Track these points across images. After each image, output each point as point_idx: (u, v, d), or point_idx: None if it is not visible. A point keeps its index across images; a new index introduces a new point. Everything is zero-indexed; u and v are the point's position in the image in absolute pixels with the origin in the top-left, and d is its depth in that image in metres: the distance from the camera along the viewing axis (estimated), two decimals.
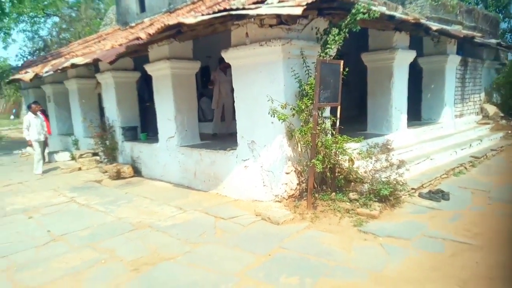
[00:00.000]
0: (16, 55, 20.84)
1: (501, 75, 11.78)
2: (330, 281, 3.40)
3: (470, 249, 3.85)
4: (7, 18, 16.90)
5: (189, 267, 3.82)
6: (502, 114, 11.57)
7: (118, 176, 8.22)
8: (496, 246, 3.91)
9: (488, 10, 22.07)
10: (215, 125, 9.14)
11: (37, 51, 20.76)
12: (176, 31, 5.72)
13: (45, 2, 22.57)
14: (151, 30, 6.27)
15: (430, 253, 3.82)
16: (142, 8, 13.58)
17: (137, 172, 8.49)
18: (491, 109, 11.61)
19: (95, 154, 10.03)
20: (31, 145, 9.49)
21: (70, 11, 25.72)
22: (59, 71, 9.00)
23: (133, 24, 13.68)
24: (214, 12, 4.89)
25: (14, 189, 7.92)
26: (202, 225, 4.98)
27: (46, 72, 9.26)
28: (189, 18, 5.04)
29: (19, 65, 17.38)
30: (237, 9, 4.68)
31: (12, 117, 33.21)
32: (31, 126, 9.30)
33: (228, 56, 5.83)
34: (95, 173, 9.14)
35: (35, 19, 25.48)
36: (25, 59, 19.98)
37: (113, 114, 9.01)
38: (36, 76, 10.65)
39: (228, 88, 8.19)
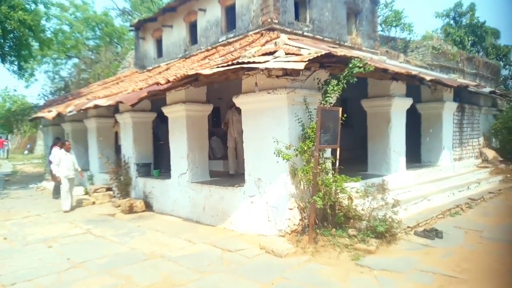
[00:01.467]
0: (38, 94, 22.24)
1: (499, 121, 12.28)
2: None
3: (456, 282, 4.18)
4: (32, 60, 18.16)
5: None
6: (501, 159, 11.94)
7: (130, 210, 8.67)
8: (481, 279, 4.24)
9: (488, 58, 23.06)
10: (232, 165, 8.98)
11: (58, 91, 22.01)
12: (193, 79, 6.40)
13: (68, 45, 24.21)
14: (171, 78, 7.00)
15: (419, 285, 4.15)
16: (160, 53, 14.65)
17: (148, 206, 8.94)
18: (490, 153, 12.01)
19: (108, 189, 10.55)
20: (59, 181, 9.58)
21: (89, 53, 27.40)
22: (81, 111, 9.75)
23: (150, 68, 14.72)
24: (228, 65, 5.57)
25: (33, 220, 8.40)
26: (210, 256, 5.37)
27: (70, 111, 10.03)
28: (206, 70, 5.73)
29: (40, 103, 18.47)
30: (248, 62, 5.36)
31: (26, 152, 34.30)
32: (62, 162, 9.46)
33: (239, 101, 6.47)
34: (108, 207, 9.62)
35: (57, 60, 27.21)
36: (46, 98, 21.16)
37: (129, 151, 9.63)
38: (59, 115, 11.48)
39: (239, 127, 8.49)
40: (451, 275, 4.38)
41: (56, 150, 11.12)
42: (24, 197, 11.96)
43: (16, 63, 15.20)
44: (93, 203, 10.06)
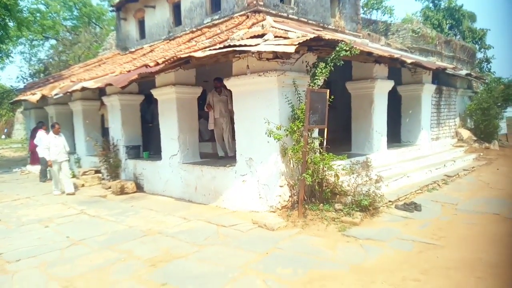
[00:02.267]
0: (17, 77, 21.47)
1: (473, 102, 12.88)
2: (318, 271, 4.11)
3: (433, 248, 4.62)
4: (9, 41, 17.59)
5: (199, 263, 4.49)
6: (475, 138, 12.61)
7: (122, 191, 8.83)
8: (455, 245, 4.69)
9: (465, 41, 23.72)
10: (219, 147, 8.79)
11: (37, 73, 21.45)
12: (184, 62, 6.53)
13: (45, 26, 23.47)
14: (160, 60, 7.09)
15: (400, 251, 4.57)
16: (142, 34, 14.51)
17: (139, 188, 9.12)
18: (465, 133, 12.65)
19: (97, 171, 10.62)
20: (51, 166, 9.22)
21: (67, 35, 26.63)
22: (68, 93, 9.70)
23: (132, 50, 14.59)
24: (220, 48, 5.73)
25: (24, 203, 8.46)
26: (206, 231, 5.66)
27: (56, 94, 9.96)
28: (198, 52, 5.88)
29: (20, 86, 18.02)
30: (240, 45, 5.54)
31: (3, 136, 33.37)
32: (51, 146, 9.14)
33: (230, 83, 6.67)
34: (98, 189, 9.73)
35: (33, 42, 26.36)
36: (25, 80, 20.61)
37: (117, 133, 9.70)
38: (43, 98, 11.36)
39: (222, 107, 8.47)
40: (429, 242, 4.82)
41: (42, 133, 11.08)
42: (10, 181, 11.89)
43: None
44: (82, 185, 10.13)
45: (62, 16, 26.69)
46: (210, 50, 5.89)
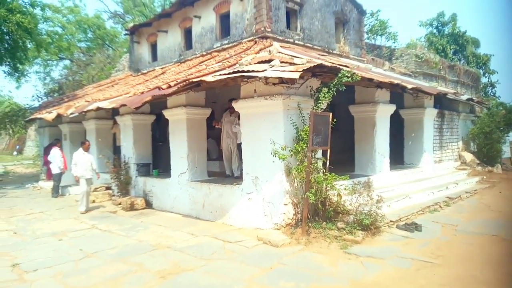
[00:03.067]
0: (33, 96, 22.31)
1: (476, 126, 13.13)
2: (319, 285, 4.33)
3: (431, 266, 4.82)
4: (27, 61, 18.36)
5: (206, 275, 4.73)
6: (478, 161, 12.78)
7: (131, 207, 9.13)
8: (452, 264, 4.88)
9: (469, 66, 24.12)
10: (227, 166, 8.99)
11: (52, 92, 22.23)
12: (196, 85, 6.93)
13: (61, 47, 24.35)
14: (172, 83, 7.52)
15: (399, 268, 4.77)
16: (154, 57, 15.10)
17: (148, 204, 9.41)
18: (468, 157, 12.84)
19: (108, 188, 10.95)
20: (78, 181, 9.34)
21: (81, 55, 27.57)
22: (83, 113, 10.16)
23: (144, 71, 15.15)
24: (229, 73, 6.13)
25: (37, 217, 8.78)
26: (213, 247, 5.90)
27: (71, 113, 10.43)
28: (209, 77, 6.27)
29: (35, 105, 18.70)
30: (248, 71, 5.93)
31: (15, 153, 34.10)
32: (78, 163, 9.25)
33: (238, 106, 7.04)
34: (109, 205, 10.04)
35: (48, 62, 27.30)
36: (40, 99, 21.37)
37: (129, 152, 10.08)
38: (58, 116, 11.84)
39: (229, 128, 8.71)
40: (427, 260, 5.02)
41: (56, 150, 11.52)
42: (23, 196, 12.25)
43: (11, 64, 15.45)
44: (93, 201, 10.42)
45: (76, 38, 27.72)
46: (220, 74, 6.28)
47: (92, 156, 9.75)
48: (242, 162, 7.43)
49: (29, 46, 14.90)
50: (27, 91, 50.88)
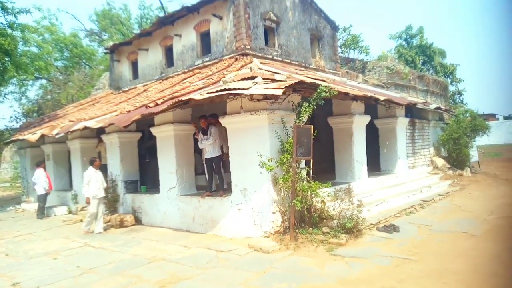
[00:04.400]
0: (11, 117, 22.03)
1: (445, 133, 13.98)
2: (310, 284, 4.72)
3: (409, 262, 5.30)
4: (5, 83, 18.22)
5: (204, 282, 5.04)
6: (449, 166, 13.59)
7: (121, 224, 9.28)
8: (427, 259, 5.39)
9: (437, 75, 25.43)
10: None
11: (31, 113, 21.99)
12: (184, 103, 7.30)
13: (37, 67, 24.19)
14: (160, 101, 7.84)
15: (380, 266, 5.24)
16: (135, 75, 15.35)
17: (137, 220, 9.57)
18: (440, 162, 13.64)
19: None
20: (88, 203, 9.03)
21: (58, 74, 27.36)
22: (69, 133, 10.30)
23: (126, 89, 15.35)
24: (216, 91, 6.53)
25: (26, 238, 8.81)
26: (207, 256, 6.20)
27: (57, 133, 10.53)
28: (197, 95, 6.66)
29: (14, 126, 18.51)
30: (234, 89, 6.36)
31: None
32: (91, 181, 9.00)
33: (225, 121, 7.44)
34: None
35: (23, 81, 26.93)
36: (18, 120, 21.10)
37: (116, 169, 10.26)
38: (41, 137, 11.88)
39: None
40: (405, 257, 5.51)
41: (40, 171, 11.54)
42: (6, 219, 12.13)
43: None
44: (81, 220, 10.47)
45: (53, 56, 27.54)
46: (208, 92, 6.67)
47: (102, 174, 9.46)
48: (211, 176, 8.36)
49: (9, 68, 14.84)
50: (1, 111, 49.59)
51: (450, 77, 27.82)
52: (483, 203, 9.42)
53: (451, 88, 27.34)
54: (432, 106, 12.57)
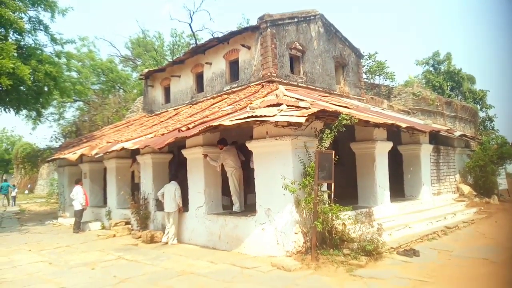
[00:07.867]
0: (51, 137, 23.91)
1: (471, 160, 13.92)
2: None
3: (426, 284, 5.51)
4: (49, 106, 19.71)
5: None
6: (475, 193, 13.46)
7: (151, 240, 9.84)
8: (444, 282, 5.57)
9: (466, 101, 25.19)
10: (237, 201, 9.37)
11: (69, 133, 23.49)
12: (214, 128, 7.89)
13: (77, 91, 25.93)
14: (191, 125, 8.47)
15: (398, 286, 5.47)
16: (167, 99, 16.30)
17: None
18: (466, 189, 13.53)
19: (127, 223, 11.69)
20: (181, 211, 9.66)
21: (94, 97, 29.11)
22: (107, 153, 11.12)
23: (158, 112, 16.29)
24: (244, 118, 7.08)
25: (66, 250, 9.49)
26: (232, 272, 6.61)
27: (96, 153, 11.38)
28: (227, 121, 7.23)
29: (54, 145, 19.88)
30: (261, 116, 6.89)
31: (26, 191, 34.97)
32: (165, 194, 9.64)
33: (251, 145, 7.97)
34: (129, 239, 10.75)
35: (62, 103, 28.79)
36: (57, 140, 22.59)
37: (148, 188, 10.93)
38: (81, 156, 12.80)
39: (230, 163, 9.25)
40: (422, 279, 5.71)
41: (78, 188, 12.41)
42: (45, 232, 12.96)
43: (34, 110, 16.77)
44: (114, 235, 11.15)
45: (90, 81, 29.39)
46: (236, 119, 7.24)
47: (175, 187, 9.75)
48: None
49: (54, 92, 16.15)
50: (40, 132, 52.71)
51: (480, 103, 27.43)
52: (509, 231, 9.37)
53: (481, 114, 26.95)
54: (457, 133, 12.65)
